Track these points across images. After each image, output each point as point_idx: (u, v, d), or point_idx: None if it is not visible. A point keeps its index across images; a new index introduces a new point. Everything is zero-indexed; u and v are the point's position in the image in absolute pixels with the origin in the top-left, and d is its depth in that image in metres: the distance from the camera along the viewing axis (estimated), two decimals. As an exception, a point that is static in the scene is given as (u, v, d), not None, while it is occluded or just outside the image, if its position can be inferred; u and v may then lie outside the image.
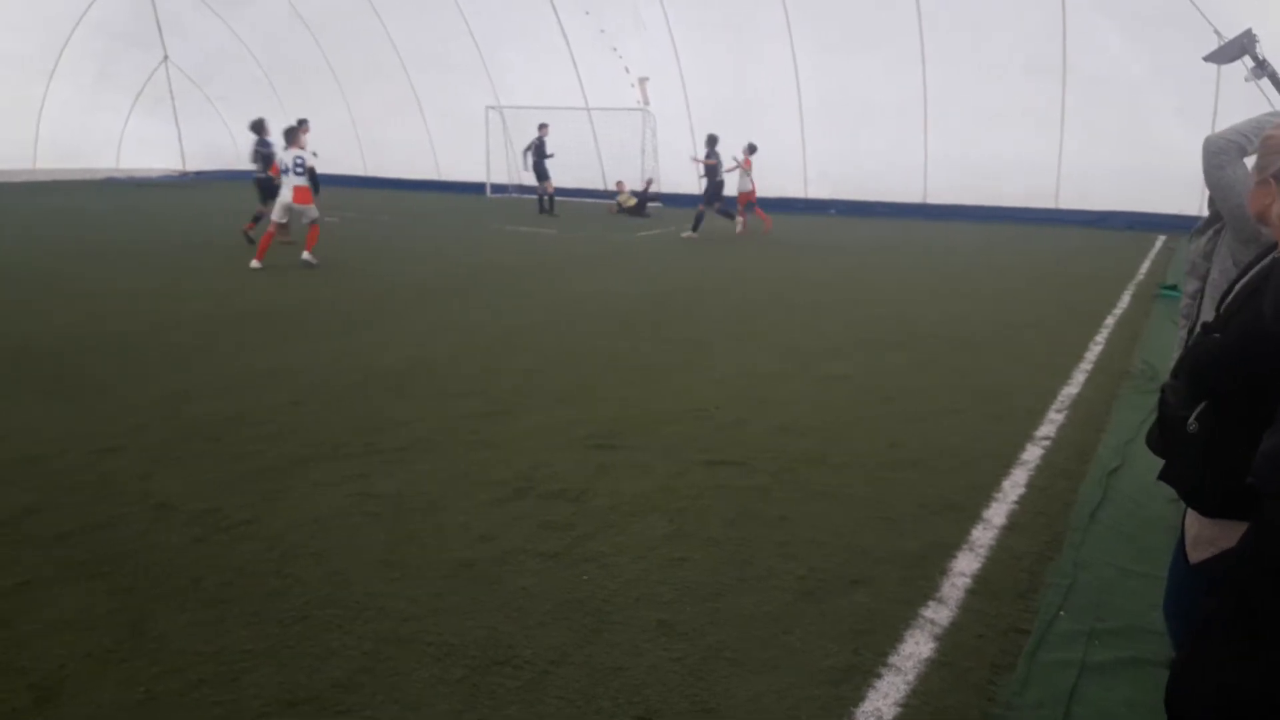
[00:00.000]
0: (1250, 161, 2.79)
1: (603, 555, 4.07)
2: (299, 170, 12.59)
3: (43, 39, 27.59)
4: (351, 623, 3.48)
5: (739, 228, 18.28)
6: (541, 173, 22.11)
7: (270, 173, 13.63)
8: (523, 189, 27.16)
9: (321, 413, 6.15)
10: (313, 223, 12.78)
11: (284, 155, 12.78)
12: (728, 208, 18.42)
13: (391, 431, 5.77)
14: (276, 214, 13.11)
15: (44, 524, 4.30)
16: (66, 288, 10.63)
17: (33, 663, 3.19)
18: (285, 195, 12.74)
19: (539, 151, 22.16)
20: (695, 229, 17.62)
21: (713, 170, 18.24)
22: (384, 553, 4.06)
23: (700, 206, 18.26)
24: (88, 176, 30.33)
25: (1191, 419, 2.23)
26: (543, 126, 22.37)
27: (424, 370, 7.33)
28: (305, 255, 12.66)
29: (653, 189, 23.81)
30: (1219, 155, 3.48)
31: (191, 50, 30.93)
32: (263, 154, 15.27)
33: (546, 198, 21.92)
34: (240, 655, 3.25)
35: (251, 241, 13.75)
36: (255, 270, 12.20)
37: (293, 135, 12.80)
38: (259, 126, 15.59)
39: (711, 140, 18.39)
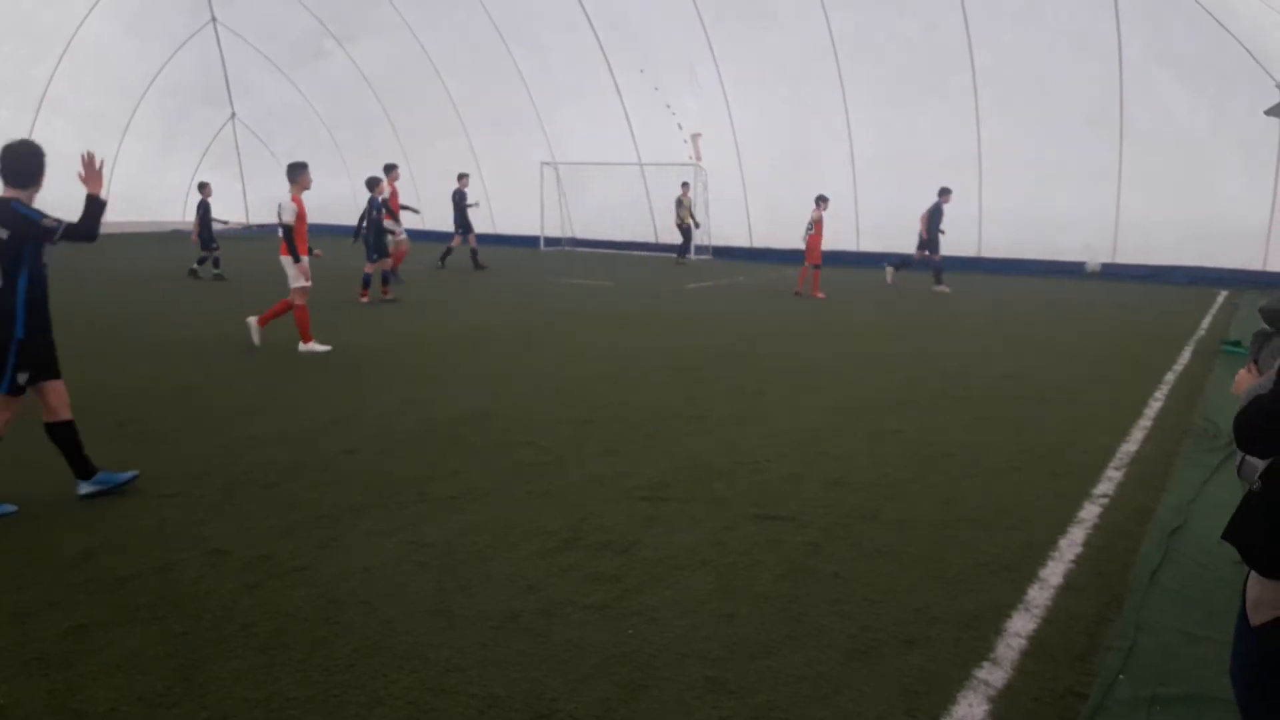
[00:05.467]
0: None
1: (650, 609, 4.04)
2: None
3: (118, 99, 28.81)
4: (398, 672, 3.49)
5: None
6: (464, 225, 21.16)
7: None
8: (575, 242, 27.57)
9: (376, 461, 6.22)
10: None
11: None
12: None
13: (443, 481, 5.81)
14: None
15: (103, 567, 4.39)
16: (134, 337, 10.94)
17: (87, 705, 3.23)
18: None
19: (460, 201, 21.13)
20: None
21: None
22: (432, 602, 4.07)
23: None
24: (155, 229, 31.32)
25: (1256, 477, 2.18)
26: (462, 177, 21.55)
27: (478, 420, 7.39)
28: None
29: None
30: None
31: (258, 108, 32.04)
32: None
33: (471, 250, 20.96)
34: (288, 702, 3.27)
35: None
36: (316, 320, 12.40)
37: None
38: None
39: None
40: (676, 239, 24.38)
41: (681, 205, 23.85)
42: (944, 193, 18.09)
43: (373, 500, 5.42)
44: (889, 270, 18.90)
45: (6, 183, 5.14)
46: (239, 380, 8.77)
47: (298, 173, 10.43)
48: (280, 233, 10.46)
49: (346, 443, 6.65)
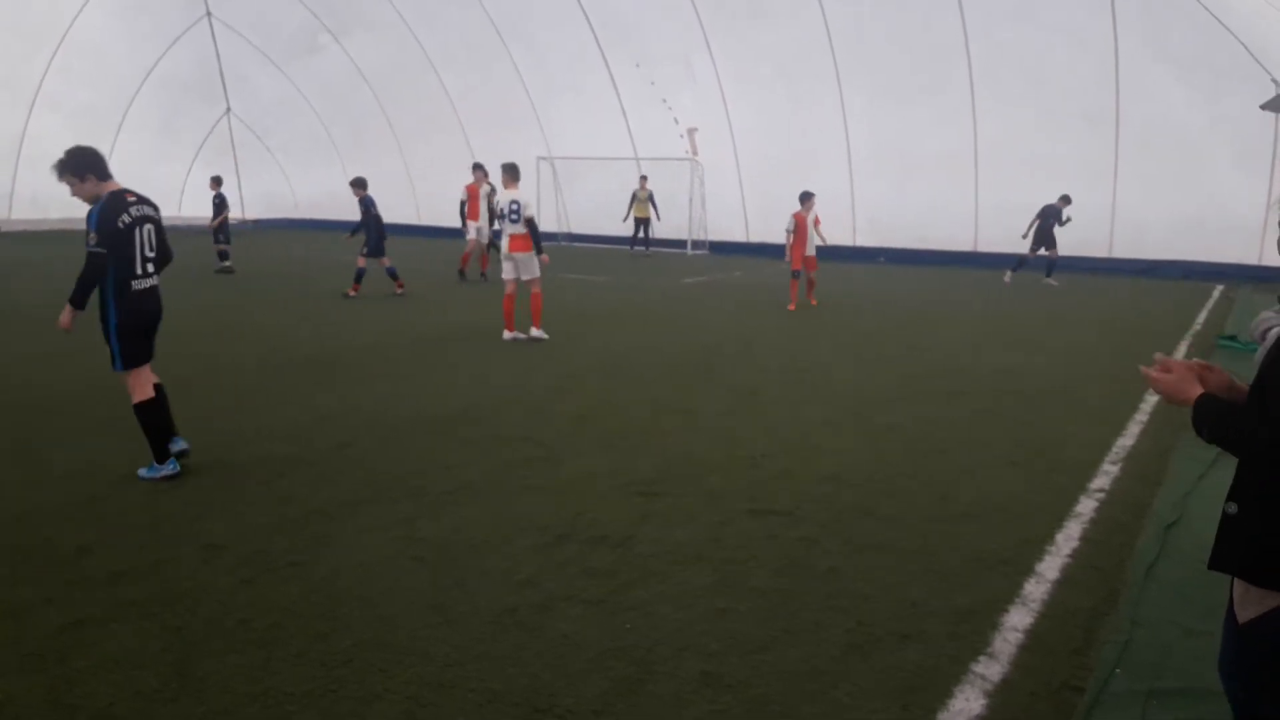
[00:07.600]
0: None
1: (646, 604, 4.04)
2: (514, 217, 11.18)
3: (113, 94, 28.67)
4: (396, 667, 3.49)
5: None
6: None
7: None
8: (572, 237, 27.57)
9: (371, 457, 6.21)
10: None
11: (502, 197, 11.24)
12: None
13: (438, 476, 5.80)
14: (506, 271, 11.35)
15: (99, 563, 4.38)
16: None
17: (83, 700, 3.23)
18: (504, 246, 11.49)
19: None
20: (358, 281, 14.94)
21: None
22: (429, 597, 4.07)
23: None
24: (152, 224, 31.25)
25: (1228, 501, 2.20)
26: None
27: (474, 415, 7.39)
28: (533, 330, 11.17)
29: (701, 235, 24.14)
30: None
31: (253, 103, 31.92)
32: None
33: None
34: (285, 697, 3.27)
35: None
36: (309, 315, 12.42)
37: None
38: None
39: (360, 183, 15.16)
40: (675, 234, 24.46)
41: (635, 198, 24.54)
42: (1064, 200, 18.15)
43: (367, 495, 5.42)
44: (1006, 276, 18.80)
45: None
46: (232, 375, 8.75)
47: (519, 172, 11.36)
48: (527, 228, 11.11)
49: (340, 438, 6.64)
